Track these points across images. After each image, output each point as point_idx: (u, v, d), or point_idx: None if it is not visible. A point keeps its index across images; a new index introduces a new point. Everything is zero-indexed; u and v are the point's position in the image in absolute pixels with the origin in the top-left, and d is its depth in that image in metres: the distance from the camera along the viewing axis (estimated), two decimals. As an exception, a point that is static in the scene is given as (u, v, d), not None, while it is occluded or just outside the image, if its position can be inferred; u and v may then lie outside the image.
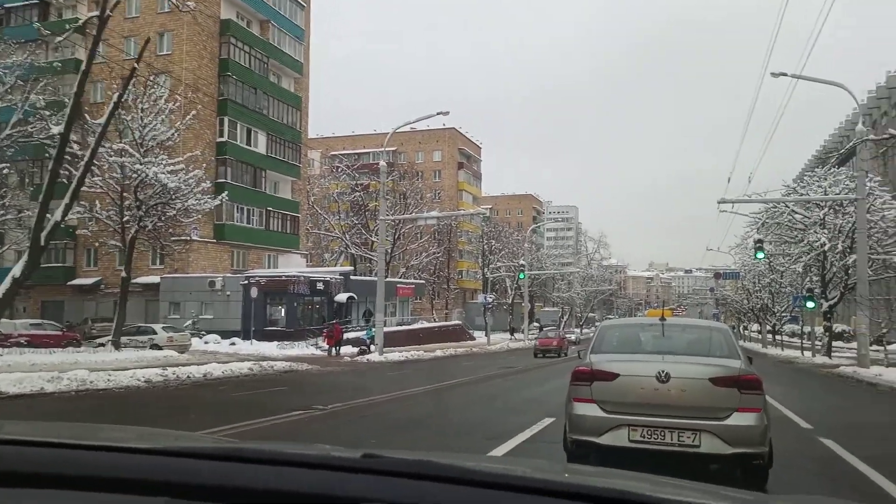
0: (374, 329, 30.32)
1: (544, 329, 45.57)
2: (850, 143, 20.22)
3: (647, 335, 6.23)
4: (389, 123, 66.39)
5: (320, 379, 18.02)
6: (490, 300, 45.89)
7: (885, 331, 24.80)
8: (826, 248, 27.41)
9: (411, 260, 60.94)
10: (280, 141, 43.42)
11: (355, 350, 29.31)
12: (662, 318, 6.08)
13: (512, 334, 61.40)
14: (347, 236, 60.57)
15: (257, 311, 32.71)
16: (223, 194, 28.15)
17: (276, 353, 27.14)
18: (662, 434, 5.04)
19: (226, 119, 39.14)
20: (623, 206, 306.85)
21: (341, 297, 38.16)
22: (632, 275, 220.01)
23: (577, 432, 5.38)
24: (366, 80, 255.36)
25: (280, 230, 44.12)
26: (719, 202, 24.59)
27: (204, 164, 27.49)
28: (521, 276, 44.13)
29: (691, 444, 4.98)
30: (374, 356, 28.10)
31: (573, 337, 50.34)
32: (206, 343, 30.67)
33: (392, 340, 34.22)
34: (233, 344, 30.48)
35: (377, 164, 69.99)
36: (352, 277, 41.00)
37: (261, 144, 41.83)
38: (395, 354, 28.77)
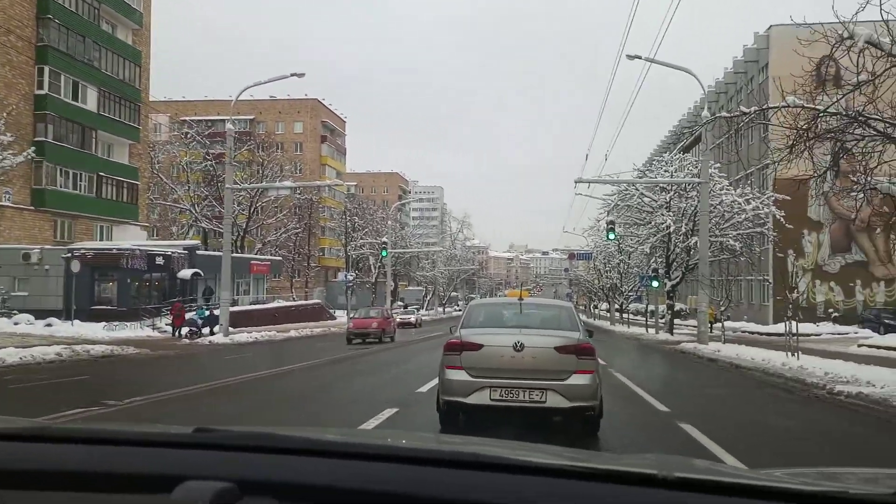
0: (206, 309, 27.80)
1: (364, 309, 32.70)
2: (698, 129, 20.84)
3: (508, 313, 7.31)
4: (247, 91, 62.38)
5: (139, 366, 15.75)
6: (351, 278, 44.20)
7: (723, 309, 26.25)
8: (671, 229, 28.58)
9: (268, 235, 57.70)
10: (115, 99, 38.73)
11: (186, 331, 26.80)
12: (520, 299, 7.23)
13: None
14: (197, 208, 56.19)
15: (82, 289, 28.81)
16: (27, 151, 24.03)
17: (101, 336, 23.99)
18: (517, 393, 6.11)
19: (46, 69, 34.05)
20: (487, 187, 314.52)
21: (185, 273, 34.88)
22: (493, 255, 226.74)
23: (449, 394, 6.41)
24: (230, 48, 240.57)
25: (115, 198, 39.53)
26: (576, 181, 24.75)
27: (4, 115, 23.33)
28: (384, 253, 42.88)
29: (539, 400, 6.08)
30: (219, 338, 25.80)
31: (414, 318, 46.32)
32: (15, 324, 26.57)
33: (243, 320, 31.90)
34: (49, 325, 26.63)
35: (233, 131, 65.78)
36: (198, 252, 37.64)
37: (91, 101, 37.00)
38: (244, 336, 26.65)
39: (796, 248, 40.08)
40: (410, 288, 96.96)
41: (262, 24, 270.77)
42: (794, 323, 16.17)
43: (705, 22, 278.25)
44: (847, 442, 7.00)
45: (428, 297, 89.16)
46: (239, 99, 27.22)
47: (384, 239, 44.34)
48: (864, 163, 10.66)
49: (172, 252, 34.70)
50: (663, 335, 31.23)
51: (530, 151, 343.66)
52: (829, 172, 13.50)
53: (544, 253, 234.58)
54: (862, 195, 11.45)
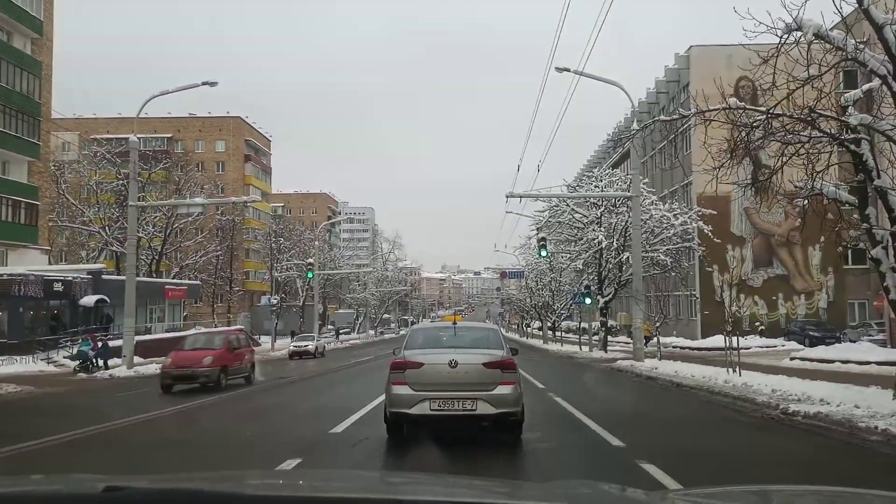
0: (90, 341, 24.98)
1: (193, 335, 21.97)
2: (629, 137, 20.39)
3: (444, 335, 8.37)
4: (165, 107, 58.97)
5: (7, 408, 13.49)
6: (275, 302, 41.88)
7: (658, 325, 25.87)
8: (603, 245, 28.16)
9: (186, 259, 54.52)
10: (10, 112, 35.55)
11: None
12: (454, 323, 9.03)
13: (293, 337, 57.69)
14: (108, 231, 52.48)
15: (-37, 319, 25.78)
16: None
17: (-20, 372, 21.25)
18: (452, 403, 7.07)
19: (-75, 75, 30.84)
20: (419, 208, 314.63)
21: (88, 300, 31.95)
22: (426, 276, 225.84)
23: (395, 406, 7.28)
24: (149, 64, 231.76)
25: (10, 220, 36.09)
26: (507, 195, 23.91)
27: None
28: (310, 275, 40.92)
29: (471, 408, 7.08)
30: (121, 370, 23.40)
31: (312, 346, 37.29)
32: None
33: (155, 350, 29.28)
34: (-78, 362, 23.56)
35: (147, 151, 62.17)
36: (104, 277, 34.68)
37: (-21, 112, 33.78)
38: (153, 367, 24.25)
39: (721, 263, 40.71)
40: (341, 311, 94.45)
41: (187, 43, 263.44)
42: (734, 338, 15.62)
43: (635, 42, 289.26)
44: (834, 476, 6.05)
45: (359, 320, 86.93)
46: (156, 116, 25.16)
47: (310, 260, 42.35)
48: (810, 166, 10.01)
49: (74, 277, 31.75)
50: (597, 353, 30.71)
51: (462, 170, 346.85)
52: (750, 187, 13.05)
53: (476, 273, 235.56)
54: (805, 201, 10.82)
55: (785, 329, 36.04)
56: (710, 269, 40.04)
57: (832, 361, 20.34)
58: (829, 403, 9.70)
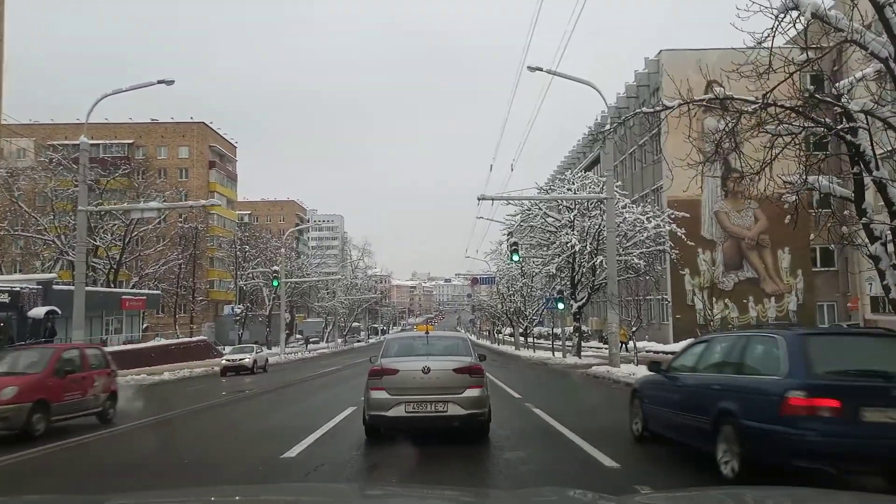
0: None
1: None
2: (605, 132, 19.79)
3: (417, 343, 9.17)
4: (126, 112, 57.12)
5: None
6: (238, 311, 40.41)
7: (634, 329, 25.32)
8: (576, 248, 27.59)
9: (147, 268, 52.60)
10: (-46, 114, 33.71)
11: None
12: (427, 332, 9.70)
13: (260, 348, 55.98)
14: (64, 239, 50.35)
15: None
16: None
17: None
18: (425, 405, 7.99)
19: None
20: (389, 216, 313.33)
21: (38, 311, 30.15)
22: (396, 284, 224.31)
23: (373, 409, 8.14)
24: (114, 71, 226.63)
25: (-46, 228, 34.16)
26: (479, 198, 23.16)
27: None
28: (275, 283, 39.60)
29: (442, 410, 7.98)
30: (71, 386, 21.92)
31: (249, 359, 30.90)
32: None
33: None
34: None
35: (106, 157, 60.14)
36: (55, 287, 32.97)
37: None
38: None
39: (692, 266, 40.53)
40: (309, 320, 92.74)
41: (149, 48, 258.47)
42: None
43: (609, 49, 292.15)
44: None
45: (328, 329, 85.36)
46: (117, 122, 23.80)
47: (276, 267, 41.03)
48: (803, 158, 9.37)
49: (21, 287, 30.02)
50: (571, 359, 30.07)
51: (433, 178, 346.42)
52: (740, 180, 12.46)
53: (447, 280, 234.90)
54: (795, 197, 10.19)
55: (758, 332, 35.87)
56: (682, 273, 39.88)
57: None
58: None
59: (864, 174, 9.04)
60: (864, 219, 8.91)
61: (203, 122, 73.14)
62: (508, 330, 65.96)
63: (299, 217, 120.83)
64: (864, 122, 8.73)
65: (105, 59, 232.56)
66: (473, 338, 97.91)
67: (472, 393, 7.92)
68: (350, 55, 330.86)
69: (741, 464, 5.67)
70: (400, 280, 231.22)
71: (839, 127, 8.76)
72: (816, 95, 8.26)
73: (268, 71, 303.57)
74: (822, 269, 42.75)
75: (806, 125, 9.07)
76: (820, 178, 9.83)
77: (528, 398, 13.64)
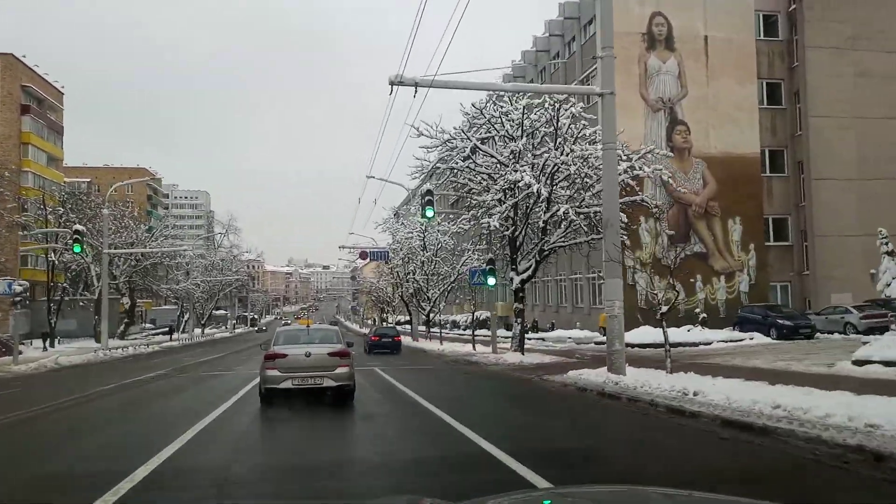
0: None
1: None
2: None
3: (300, 334, 12.49)
4: None
5: None
6: (19, 289, 27.24)
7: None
8: (533, 189, 18.29)
9: None
10: None
11: None
12: (307, 326, 14.84)
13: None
14: None
15: None
16: None
17: None
18: (307, 380, 10.99)
19: None
20: (264, 201, 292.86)
21: None
22: (270, 269, 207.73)
23: (268, 384, 11.08)
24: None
25: None
26: (392, 82, 13.15)
27: None
28: (77, 248, 27.27)
29: (319, 383, 11.03)
30: None
31: None
32: None
33: None
34: None
35: None
36: None
37: None
38: None
39: (633, 238, 32.65)
40: (165, 307, 78.42)
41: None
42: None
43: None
44: None
45: (185, 317, 71.66)
46: None
47: (77, 226, 28.46)
48: None
49: None
50: (511, 356, 20.67)
51: (313, 163, 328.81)
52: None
53: (325, 267, 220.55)
54: None
55: (738, 317, 28.41)
56: (621, 247, 31.82)
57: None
58: None
59: None
60: None
61: (11, 54, 57.05)
62: (402, 317, 56.18)
63: (152, 188, 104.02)
64: None
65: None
66: (356, 327, 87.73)
67: (342, 370, 11.17)
68: (226, 37, 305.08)
69: None
70: (274, 266, 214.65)
71: None
72: None
73: (130, 47, 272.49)
74: (776, 243, 36.67)
75: None
76: None
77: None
